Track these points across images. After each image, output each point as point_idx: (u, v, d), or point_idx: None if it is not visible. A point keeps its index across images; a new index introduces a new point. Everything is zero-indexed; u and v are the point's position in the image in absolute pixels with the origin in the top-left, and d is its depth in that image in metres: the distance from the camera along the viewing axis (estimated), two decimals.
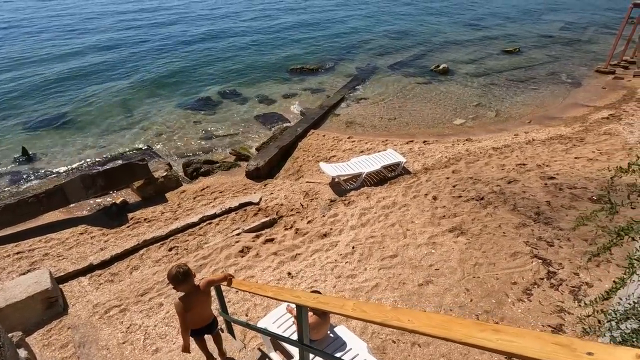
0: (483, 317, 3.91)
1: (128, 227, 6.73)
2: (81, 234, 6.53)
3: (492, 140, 9.12)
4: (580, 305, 3.77)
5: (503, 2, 38.50)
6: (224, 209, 6.89)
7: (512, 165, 7.39)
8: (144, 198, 7.76)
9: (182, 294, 2.74)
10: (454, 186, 6.79)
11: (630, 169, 2.50)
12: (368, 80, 14.95)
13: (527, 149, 8.22)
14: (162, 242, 6.10)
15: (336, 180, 7.56)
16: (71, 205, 7.21)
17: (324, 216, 6.49)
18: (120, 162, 7.27)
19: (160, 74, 15.47)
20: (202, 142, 10.31)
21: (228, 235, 6.14)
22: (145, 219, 6.93)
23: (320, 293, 3.28)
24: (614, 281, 2.05)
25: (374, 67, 16.68)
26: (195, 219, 6.59)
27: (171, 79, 15.06)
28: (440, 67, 15.88)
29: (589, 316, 2.23)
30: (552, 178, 6.63)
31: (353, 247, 5.39)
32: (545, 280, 4.30)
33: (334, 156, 8.98)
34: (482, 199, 6.19)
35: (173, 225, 6.48)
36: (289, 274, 4.98)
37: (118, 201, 7.54)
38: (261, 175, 8.33)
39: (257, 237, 6.02)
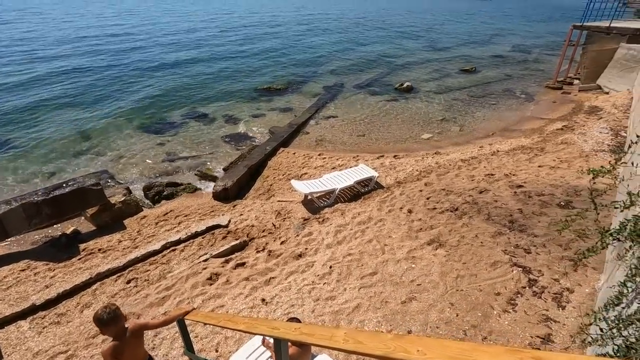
0: (471, 332, 3.72)
1: (79, 259, 6.03)
2: (22, 270, 5.75)
3: (459, 153, 9.31)
4: (586, 315, 3.67)
5: (456, 27, 41.29)
6: (189, 234, 6.38)
7: (481, 175, 7.51)
8: (99, 226, 7.07)
9: (111, 338, 2.49)
10: (427, 198, 6.75)
11: (610, 170, 2.45)
12: (335, 99, 15.08)
13: (493, 159, 8.44)
14: (119, 274, 5.48)
15: (309, 197, 7.30)
16: (11, 238, 6.40)
17: (297, 236, 6.17)
18: (70, 187, 6.59)
19: (121, 98, 14.76)
20: (165, 165, 9.73)
21: (194, 261, 5.64)
22: (99, 250, 6.26)
23: (299, 321, 2.95)
24: (623, 285, 1.91)
25: (340, 86, 16.93)
26: (157, 246, 6.03)
27: (132, 102, 14.39)
28: (404, 85, 16.39)
29: (590, 324, 2.08)
30: (520, 186, 6.77)
31: (330, 267, 5.09)
32: (527, 288, 4.21)
33: (305, 174, 8.75)
34: (457, 209, 6.16)
35: (132, 254, 5.87)
36: (263, 300, 4.58)
37: (68, 231, 6.80)
38: (229, 196, 7.90)
39: (227, 262, 5.57)
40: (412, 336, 1.12)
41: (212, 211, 7.41)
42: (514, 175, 7.35)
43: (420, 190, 7.14)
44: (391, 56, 23.91)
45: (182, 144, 10.94)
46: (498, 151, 9.09)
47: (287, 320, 2.78)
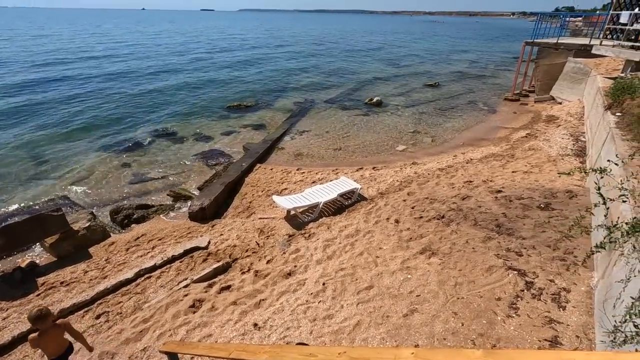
0: (479, 341, 3.59)
1: (38, 295, 5.33)
2: None
3: (435, 162, 9.48)
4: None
5: (416, 45, 43.45)
6: (165, 259, 5.88)
7: (460, 183, 7.63)
8: (61, 257, 6.35)
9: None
10: (412, 207, 6.71)
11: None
12: (308, 114, 15.08)
13: (468, 167, 8.65)
14: (86, 309, 4.88)
15: (292, 213, 7.04)
16: None
17: (284, 253, 5.86)
18: (26, 215, 5.89)
19: (82, 117, 13.88)
20: (134, 186, 9.09)
21: (174, 288, 5.16)
22: (62, 283, 5.58)
23: (306, 345, 2.68)
24: None
25: (311, 102, 16.99)
26: (129, 274, 5.48)
27: (91, 121, 13.58)
28: (374, 99, 16.75)
29: (625, 322, 2.00)
30: (499, 191, 6.92)
31: (323, 284, 4.83)
32: (525, 291, 4.18)
33: (285, 189, 8.49)
34: (443, 217, 6.16)
35: (101, 285, 5.29)
36: (255, 325, 4.21)
37: (24, 264, 6.05)
38: (207, 215, 7.46)
39: (210, 286, 5.15)
40: (507, 350, 0.93)
41: (189, 233, 6.93)
42: (491, 181, 7.53)
43: (404, 200, 7.11)
44: (358, 73, 24.54)
45: (151, 163, 10.33)
46: (472, 159, 9.36)
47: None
